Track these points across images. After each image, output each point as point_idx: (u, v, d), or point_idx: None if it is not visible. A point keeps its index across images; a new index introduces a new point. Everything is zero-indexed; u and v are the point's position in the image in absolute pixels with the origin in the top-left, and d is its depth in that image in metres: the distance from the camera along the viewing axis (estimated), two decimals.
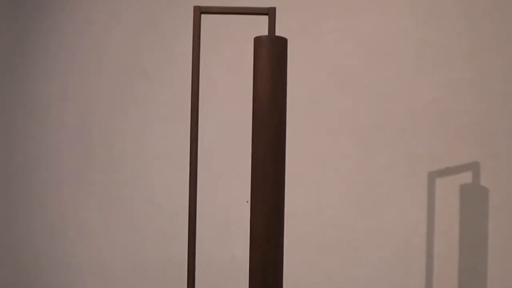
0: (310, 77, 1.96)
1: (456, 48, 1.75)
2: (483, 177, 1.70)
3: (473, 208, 1.71)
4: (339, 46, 1.93)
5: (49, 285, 2.69)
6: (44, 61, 2.69)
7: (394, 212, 1.81)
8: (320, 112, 1.95)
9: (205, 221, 1.93)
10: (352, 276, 1.88)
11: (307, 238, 1.95)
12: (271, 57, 1.05)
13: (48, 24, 2.69)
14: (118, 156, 2.43)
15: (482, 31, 1.72)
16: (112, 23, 2.47)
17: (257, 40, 1.07)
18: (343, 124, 1.91)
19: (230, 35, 2.11)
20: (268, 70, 1.05)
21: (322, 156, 1.94)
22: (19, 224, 2.78)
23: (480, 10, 1.74)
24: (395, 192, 1.81)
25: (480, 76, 1.72)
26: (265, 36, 1.08)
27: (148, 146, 2.34)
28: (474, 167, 1.71)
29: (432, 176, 1.77)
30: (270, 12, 1.12)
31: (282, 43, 1.08)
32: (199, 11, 1.18)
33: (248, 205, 1.87)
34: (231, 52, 2.11)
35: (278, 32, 1.20)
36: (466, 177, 1.72)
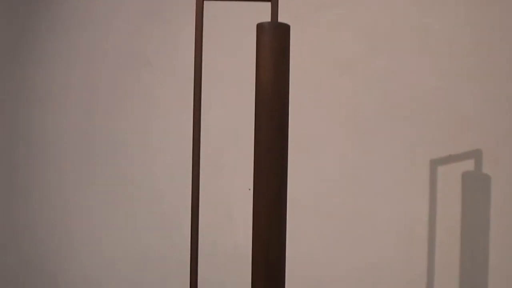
0: (312, 65, 1.96)
1: (459, 36, 1.75)
2: (485, 165, 1.70)
3: (475, 195, 1.71)
4: (342, 33, 1.92)
5: (50, 275, 2.70)
6: (47, 50, 2.69)
7: (396, 199, 1.81)
8: (323, 99, 1.95)
9: (207, 209, 1.93)
10: (354, 263, 1.88)
11: (310, 226, 1.95)
12: (273, 44, 1.05)
13: (51, 13, 2.69)
14: (120, 145, 2.44)
15: (485, 19, 1.71)
16: (115, 11, 2.47)
17: (260, 27, 1.07)
18: (345, 111, 1.91)
19: (233, 23, 2.11)
20: (270, 57, 1.05)
21: (324, 143, 1.94)
22: (21, 213, 2.79)
23: None
24: (397, 179, 1.82)
25: (483, 64, 1.71)
26: (268, 22, 1.07)
27: (151, 135, 2.35)
28: (476, 154, 1.71)
29: (434, 164, 1.77)
30: None
31: (284, 29, 1.08)
32: None
33: (250, 192, 1.88)
34: (233, 40, 2.11)
35: (280, 20, 1.19)
36: (468, 165, 1.72)
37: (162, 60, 2.32)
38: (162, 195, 2.31)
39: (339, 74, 1.92)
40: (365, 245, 1.86)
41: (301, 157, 1.94)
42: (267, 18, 1.12)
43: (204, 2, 1.18)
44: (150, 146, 2.35)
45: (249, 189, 2.00)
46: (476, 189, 1.71)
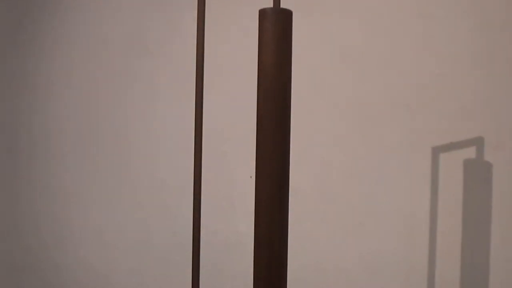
0: (314, 52, 1.95)
1: (461, 23, 1.74)
2: (487, 152, 1.69)
3: (477, 183, 1.71)
4: (344, 20, 1.91)
5: (51, 262, 2.70)
6: (47, 37, 2.68)
7: (398, 186, 1.81)
8: (325, 86, 1.94)
9: (209, 198, 1.93)
10: (356, 251, 1.88)
11: (312, 213, 1.95)
12: (276, 29, 1.04)
13: (52, 1, 2.68)
14: (122, 133, 2.43)
15: (488, 6, 1.70)
16: None
17: (262, 12, 1.06)
18: (347, 98, 1.90)
19: (235, 9, 2.09)
20: (273, 43, 1.04)
21: (326, 130, 1.93)
22: (23, 202, 2.79)
23: None
24: (399, 166, 1.81)
25: (485, 51, 1.71)
26: (270, 8, 1.07)
27: (152, 122, 2.34)
28: (478, 142, 1.70)
29: (436, 151, 1.76)
30: None
31: (287, 15, 1.07)
32: None
33: (252, 180, 1.87)
34: (235, 26, 2.10)
35: (283, 6, 1.18)
36: (470, 152, 1.72)
37: (164, 47, 2.30)
38: (163, 183, 2.31)
39: (341, 62, 1.91)
40: (367, 233, 1.87)
41: (303, 145, 1.93)
42: (269, 4, 1.11)
43: None
44: (152, 135, 2.35)
45: (251, 177, 2.00)
46: (477, 176, 1.71)
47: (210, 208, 2.02)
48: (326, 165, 1.94)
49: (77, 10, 2.58)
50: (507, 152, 1.68)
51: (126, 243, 2.43)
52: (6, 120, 2.83)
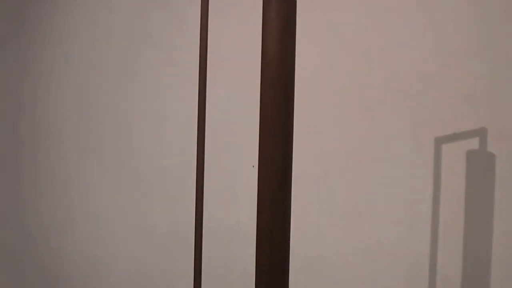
0: (317, 41, 1.94)
1: (465, 12, 1.73)
2: (490, 143, 1.69)
3: (479, 174, 1.71)
4: (347, 8, 1.90)
5: (52, 249, 2.71)
6: (49, 25, 2.67)
7: (400, 177, 1.81)
8: (328, 76, 1.93)
9: (211, 187, 1.93)
10: (358, 240, 1.88)
11: (314, 203, 1.95)
12: (280, 18, 1.03)
13: None
14: (125, 123, 2.43)
15: None
16: None
17: (266, 2, 1.06)
18: (350, 88, 1.90)
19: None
20: (277, 32, 1.04)
21: (329, 120, 1.93)
22: (24, 189, 2.80)
23: None
24: (401, 157, 1.81)
25: (488, 41, 1.70)
26: None
27: (155, 111, 2.34)
28: (481, 133, 1.70)
29: (439, 142, 1.76)
30: None
31: (291, 4, 1.06)
32: None
33: (254, 170, 1.87)
34: (239, 16, 2.09)
35: None
36: (473, 143, 1.71)
37: (167, 35, 2.30)
38: (166, 172, 2.31)
39: (343, 51, 1.90)
40: (368, 223, 1.87)
41: (306, 134, 1.93)
42: None
43: None
44: (154, 125, 2.35)
45: (253, 166, 2.00)
46: (480, 167, 1.71)
47: (213, 197, 2.02)
48: (328, 155, 1.93)
49: (79, 0, 2.57)
50: (510, 143, 1.67)
51: (128, 232, 2.44)
52: (8, 106, 2.83)
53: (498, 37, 1.68)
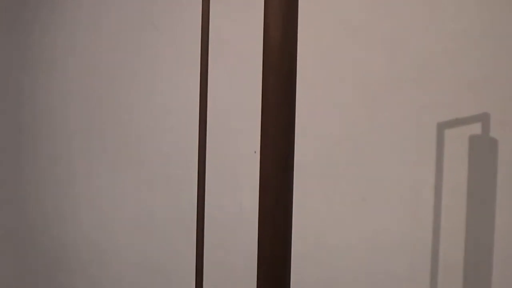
0: (320, 27, 1.93)
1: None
2: (493, 128, 1.68)
3: (482, 159, 1.70)
4: None
5: (54, 238, 2.72)
6: (50, 13, 2.66)
7: (403, 163, 1.81)
8: (330, 61, 1.93)
9: (213, 172, 1.93)
10: (360, 227, 1.89)
11: (315, 189, 1.95)
12: (282, 3, 1.02)
13: None
14: (126, 109, 2.43)
15: None
16: None
17: None
18: (353, 73, 1.89)
19: None
20: (279, 17, 1.03)
21: (332, 105, 1.93)
22: (27, 177, 2.80)
23: None
24: (404, 143, 1.81)
25: (491, 27, 1.69)
26: None
27: (157, 97, 2.34)
28: (483, 118, 1.69)
29: (441, 127, 1.75)
30: None
31: None
32: None
33: (255, 156, 1.87)
34: (241, 1, 2.08)
35: None
36: (475, 128, 1.71)
37: (168, 23, 2.29)
38: (168, 158, 2.31)
39: (346, 36, 1.89)
40: (371, 209, 1.87)
41: (308, 121, 1.93)
42: None
43: None
44: (156, 109, 2.34)
45: (255, 152, 1.99)
46: (483, 152, 1.70)
47: (215, 183, 2.02)
48: (331, 141, 1.93)
49: None
50: None
51: (129, 218, 2.44)
52: (10, 95, 2.82)
53: (500, 22, 1.67)
